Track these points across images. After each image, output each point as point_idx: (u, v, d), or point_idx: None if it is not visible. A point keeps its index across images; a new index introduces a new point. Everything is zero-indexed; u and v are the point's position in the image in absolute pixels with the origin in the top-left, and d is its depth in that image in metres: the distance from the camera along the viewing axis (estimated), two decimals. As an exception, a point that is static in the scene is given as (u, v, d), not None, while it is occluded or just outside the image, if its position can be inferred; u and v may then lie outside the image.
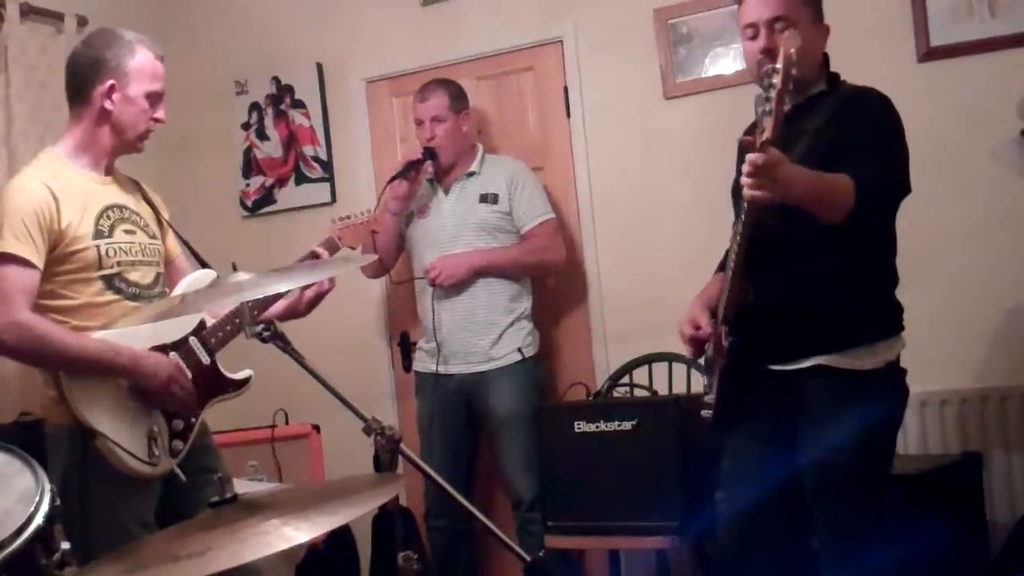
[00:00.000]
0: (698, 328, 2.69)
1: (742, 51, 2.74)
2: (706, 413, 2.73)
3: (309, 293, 2.99)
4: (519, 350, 3.95)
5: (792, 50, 2.18)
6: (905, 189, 2.55)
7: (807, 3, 2.60)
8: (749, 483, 2.66)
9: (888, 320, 2.61)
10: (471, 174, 4.04)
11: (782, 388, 2.58)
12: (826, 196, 2.40)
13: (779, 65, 2.17)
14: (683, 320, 2.73)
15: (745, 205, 2.38)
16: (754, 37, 2.60)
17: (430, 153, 3.99)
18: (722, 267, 2.86)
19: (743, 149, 2.75)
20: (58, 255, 2.66)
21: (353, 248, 3.51)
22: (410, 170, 3.96)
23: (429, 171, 4.05)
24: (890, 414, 2.60)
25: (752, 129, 2.71)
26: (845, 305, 2.54)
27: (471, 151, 4.10)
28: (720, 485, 2.85)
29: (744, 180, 2.27)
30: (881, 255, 2.63)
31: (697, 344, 2.71)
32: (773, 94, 2.17)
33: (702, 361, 2.83)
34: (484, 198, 4.00)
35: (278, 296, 2.89)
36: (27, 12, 4.12)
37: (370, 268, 4.15)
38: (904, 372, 2.62)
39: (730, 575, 2.77)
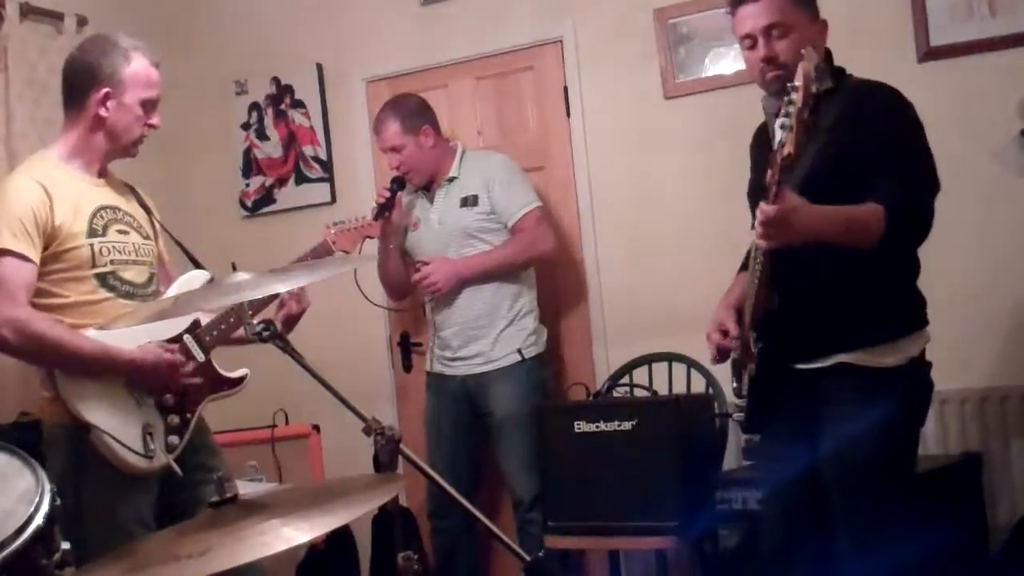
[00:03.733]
0: (726, 332, 2.68)
1: (744, 58, 2.72)
2: (738, 416, 2.75)
3: (280, 315, 2.88)
4: (519, 351, 3.93)
5: (812, 68, 2.14)
6: (936, 189, 2.53)
7: (800, 4, 2.57)
8: (782, 482, 2.68)
9: (910, 315, 2.60)
10: (452, 179, 4.01)
11: (807, 387, 2.58)
12: (853, 232, 2.40)
13: (798, 83, 2.13)
14: (710, 326, 2.72)
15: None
16: (752, 47, 2.57)
17: (399, 183, 3.95)
18: (744, 266, 2.85)
19: (757, 147, 2.75)
20: (51, 253, 2.67)
21: (347, 253, 3.51)
22: (384, 211, 3.89)
23: (410, 192, 4.03)
24: (911, 411, 2.60)
25: (762, 130, 2.71)
26: (866, 304, 2.53)
27: (449, 156, 4.03)
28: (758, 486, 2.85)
29: (756, 230, 2.27)
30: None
31: (724, 353, 2.71)
32: (793, 111, 2.14)
33: (728, 364, 2.80)
34: (464, 202, 3.96)
35: (274, 297, 2.88)
36: (27, 12, 4.12)
37: (393, 294, 4.19)
38: (929, 366, 2.62)
39: (772, 573, 2.77)
